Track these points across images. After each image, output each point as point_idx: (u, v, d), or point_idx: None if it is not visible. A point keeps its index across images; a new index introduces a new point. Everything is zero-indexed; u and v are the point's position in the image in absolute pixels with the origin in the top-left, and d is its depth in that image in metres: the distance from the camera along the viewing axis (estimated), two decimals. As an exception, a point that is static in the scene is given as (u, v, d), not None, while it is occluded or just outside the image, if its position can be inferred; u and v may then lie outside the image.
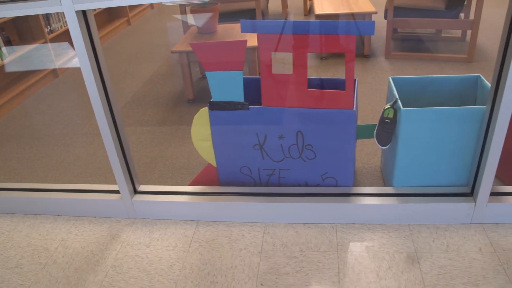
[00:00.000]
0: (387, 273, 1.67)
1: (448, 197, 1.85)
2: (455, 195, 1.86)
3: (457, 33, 3.76)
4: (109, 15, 4.79)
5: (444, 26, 3.16)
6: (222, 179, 2.02)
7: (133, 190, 2.00)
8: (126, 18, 4.88)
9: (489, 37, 3.89)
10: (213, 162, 1.99)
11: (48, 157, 2.66)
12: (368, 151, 2.38)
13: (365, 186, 2.11)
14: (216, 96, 1.83)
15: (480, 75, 1.95)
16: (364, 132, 1.90)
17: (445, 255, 1.73)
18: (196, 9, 2.69)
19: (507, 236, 1.81)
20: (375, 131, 1.86)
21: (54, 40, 3.65)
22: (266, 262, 1.75)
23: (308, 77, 1.91)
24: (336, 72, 3.38)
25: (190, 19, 3.33)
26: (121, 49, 4.48)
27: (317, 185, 1.95)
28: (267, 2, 3.84)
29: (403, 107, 1.74)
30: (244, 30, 1.71)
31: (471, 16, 3.21)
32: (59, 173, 2.49)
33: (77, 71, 3.86)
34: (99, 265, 1.80)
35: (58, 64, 3.62)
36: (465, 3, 3.12)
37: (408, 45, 3.67)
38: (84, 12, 1.65)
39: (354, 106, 1.76)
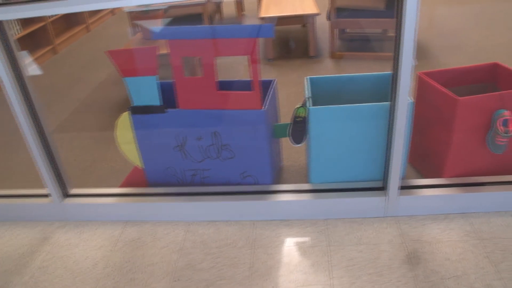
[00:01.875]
0: (297, 266, 1.74)
1: (362, 191, 1.92)
2: (369, 190, 1.93)
3: None
4: (68, 22, 4.85)
5: (384, 25, 3.23)
6: (150, 180, 2.09)
7: (64, 194, 2.07)
8: (85, 25, 4.95)
9: (433, 35, 3.99)
10: (139, 164, 2.06)
11: (-4, 163, 2.73)
12: (297, 149, 2.45)
13: (290, 183, 2.18)
14: (136, 100, 1.90)
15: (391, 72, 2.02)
16: (281, 131, 1.97)
17: (355, 248, 1.80)
18: (140, 16, 2.77)
19: (417, 227, 1.88)
20: (289, 130, 1.93)
21: None
22: (184, 259, 1.82)
23: (228, 79, 1.99)
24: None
25: (159, 23, 3.41)
26: (77, 56, 4.55)
27: (238, 184, 2.02)
28: (218, 7, 3.91)
29: (321, 105, 1.80)
30: (155, 37, 1.78)
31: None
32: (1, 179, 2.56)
33: (30, 79, 3.95)
34: (27, 267, 1.87)
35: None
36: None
37: (355, 45, 3.75)
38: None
39: (266, 106, 1.83)
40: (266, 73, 3.39)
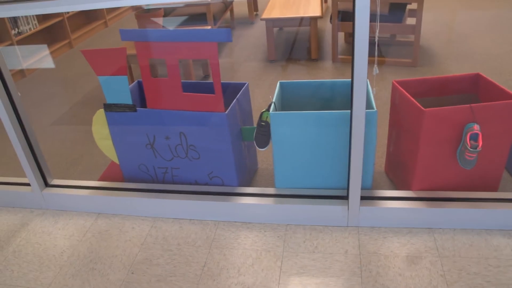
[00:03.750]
0: (248, 269, 1.77)
1: (325, 199, 1.92)
2: (332, 198, 1.93)
3: (411, 37, 3.74)
4: (86, 17, 5.07)
5: (387, 30, 3.16)
6: (126, 175, 2.18)
7: (44, 184, 2.19)
8: (103, 20, 5.15)
9: (443, 42, 3.86)
10: (115, 159, 2.15)
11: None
12: (276, 153, 2.47)
13: (262, 186, 2.20)
14: (109, 98, 1.98)
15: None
16: (249, 134, 2.00)
17: (309, 256, 1.80)
18: (141, 14, 2.86)
19: (378, 239, 1.85)
20: (254, 134, 1.95)
21: (22, 42, 3.95)
22: (144, 253, 1.89)
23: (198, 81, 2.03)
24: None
25: (164, 22, 3.53)
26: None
27: (206, 184, 2.07)
28: (226, 7, 3.95)
29: (291, 110, 1.82)
30: (124, 38, 1.86)
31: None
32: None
33: (44, 71, 4.14)
34: (2, 250, 2.00)
35: (25, 65, 3.92)
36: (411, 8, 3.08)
37: None
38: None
39: (229, 109, 1.86)
40: (266, 74, 3.42)
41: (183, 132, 1.95)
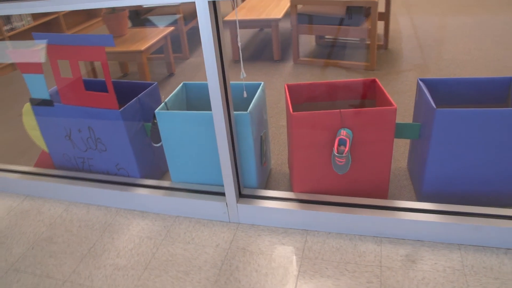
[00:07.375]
0: (126, 253, 2.04)
1: (209, 195, 2.14)
2: (215, 194, 2.13)
3: (380, 41, 3.77)
4: (87, 14, 5.55)
5: (344, 33, 3.24)
6: (55, 163, 2.53)
7: (-15, 167, 2.60)
8: (101, 18, 5.62)
9: (413, 46, 3.85)
10: (45, 148, 2.50)
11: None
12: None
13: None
14: (33, 94, 2.33)
15: (262, 82, 2.17)
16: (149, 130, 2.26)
17: (183, 246, 2.04)
18: (106, 15, 3.20)
19: (252, 237, 2.04)
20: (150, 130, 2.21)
21: (15, 38, 4.46)
22: (48, 233, 2.22)
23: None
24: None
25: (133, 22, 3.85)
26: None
27: (115, 174, 2.35)
28: None
29: (195, 110, 2.06)
30: (37, 42, 2.19)
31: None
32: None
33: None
34: None
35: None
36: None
37: (327, 51, 3.78)
38: None
39: (125, 107, 2.14)
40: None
41: (90, 127, 2.25)
